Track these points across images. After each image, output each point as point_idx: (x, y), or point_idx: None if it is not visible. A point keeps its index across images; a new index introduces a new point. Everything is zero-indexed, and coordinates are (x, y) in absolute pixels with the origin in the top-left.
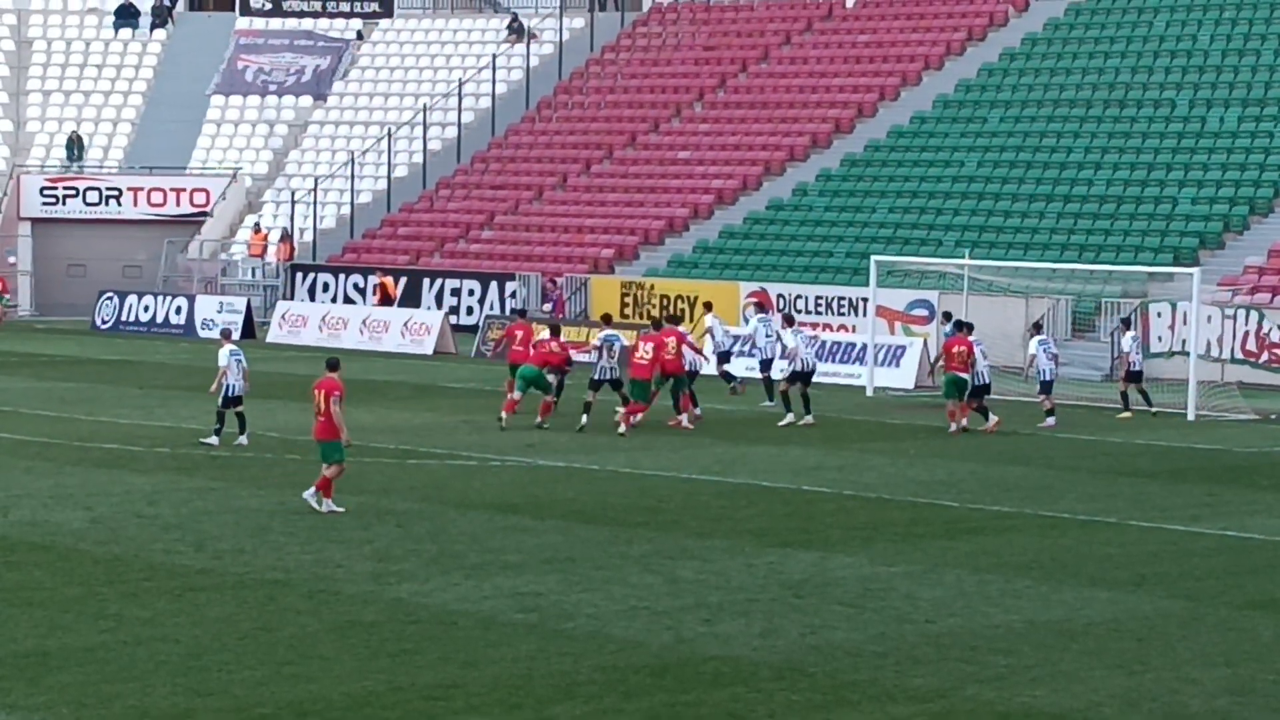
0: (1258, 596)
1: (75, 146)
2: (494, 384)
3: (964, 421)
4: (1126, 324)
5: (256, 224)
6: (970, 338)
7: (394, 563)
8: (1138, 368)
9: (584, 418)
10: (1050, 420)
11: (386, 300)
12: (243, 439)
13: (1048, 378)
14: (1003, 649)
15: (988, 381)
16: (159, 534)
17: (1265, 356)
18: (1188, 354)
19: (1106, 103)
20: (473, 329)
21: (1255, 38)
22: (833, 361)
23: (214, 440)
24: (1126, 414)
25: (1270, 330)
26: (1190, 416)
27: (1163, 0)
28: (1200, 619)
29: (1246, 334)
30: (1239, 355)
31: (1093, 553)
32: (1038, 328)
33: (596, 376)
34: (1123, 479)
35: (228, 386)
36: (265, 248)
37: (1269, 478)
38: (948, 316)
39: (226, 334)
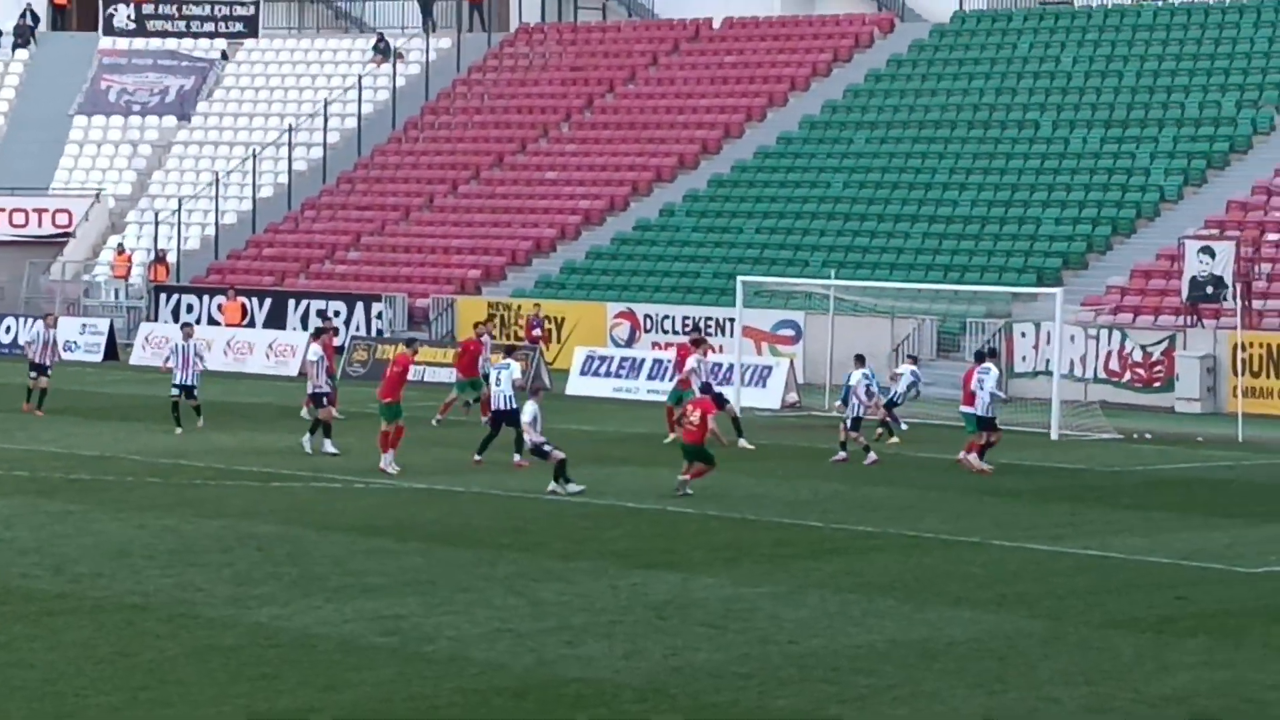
0: (1118, 615)
1: None
2: (359, 405)
3: (971, 458)
4: (913, 360)
5: (120, 245)
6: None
7: (254, 586)
8: (898, 400)
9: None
10: (872, 456)
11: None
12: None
13: (858, 413)
14: (865, 669)
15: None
16: (15, 558)
17: (1128, 376)
18: (1051, 374)
19: (970, 124)
20: (339, 350)
21: (1117, 59)
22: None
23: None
24: (894, 440)
25: (1133, 350)
26: (1054, 436)
27: (1025, 22)
28: (1061, 638)
29: (1109, 354)
30: (1102, 375)
31: (956, 572)
32: (860, 360)
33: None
34: (986, 498)
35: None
36: (129, 269)
37: (1131, 497)
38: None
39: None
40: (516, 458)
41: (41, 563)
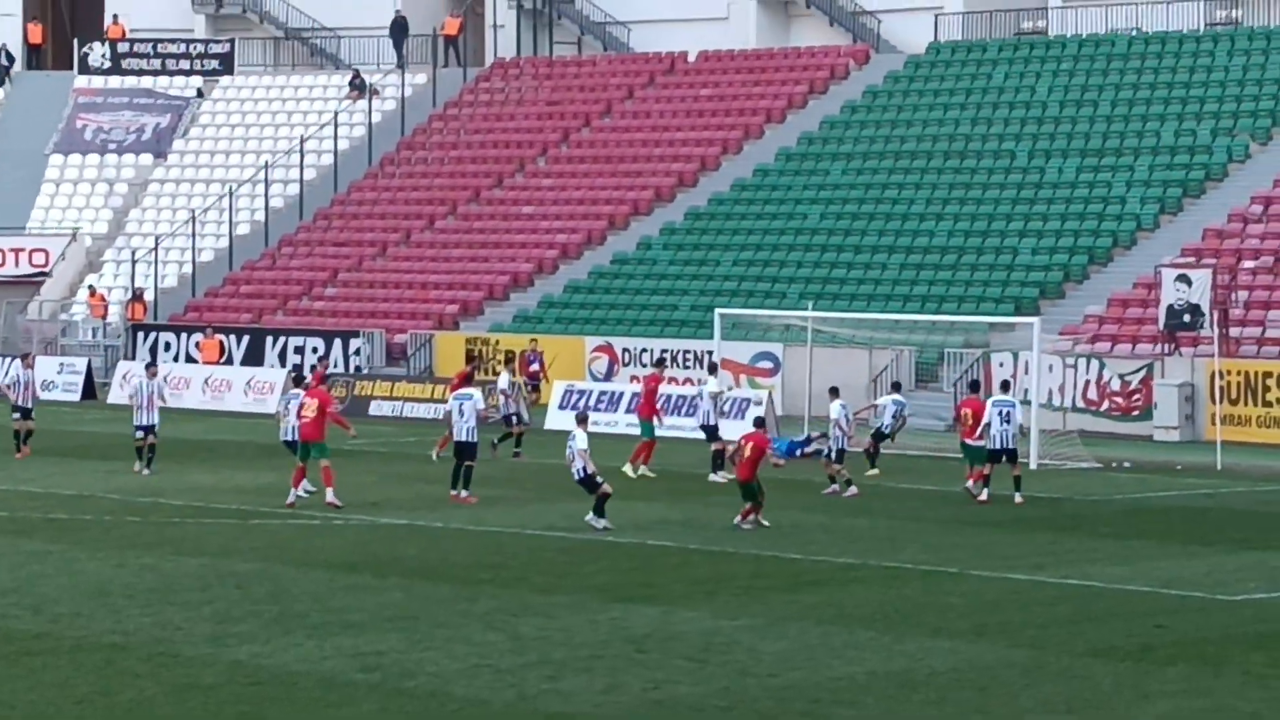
0: (1099, 644)
1: None
2: (336, 443)
3: (971, 486)
4: (896, 387)
5: (91, 286)
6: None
7: (234, 624)
8: (887, 430)
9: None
10: (853, 489)
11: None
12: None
13: (842, 445)
14: (846, 700)
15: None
16: None
17: (1106, 405)
18: (1029, 403)
19: (947, 154)
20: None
21: (1093, 89)
22: (679, 415)
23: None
24: (874, 471)
25: (1110, 379)
26: (1033, 465)
27: (1001, 53)
28: (1042, 667)
29: (1088, 383)
30: (1080, 404)
31: (935, 603)
32: (834, 392)
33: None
34: (966, 528)
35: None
36: (106, 308)
37: (1110, 525)
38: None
39: (298, 379)
40: (464, 493)
41: (20, 602)
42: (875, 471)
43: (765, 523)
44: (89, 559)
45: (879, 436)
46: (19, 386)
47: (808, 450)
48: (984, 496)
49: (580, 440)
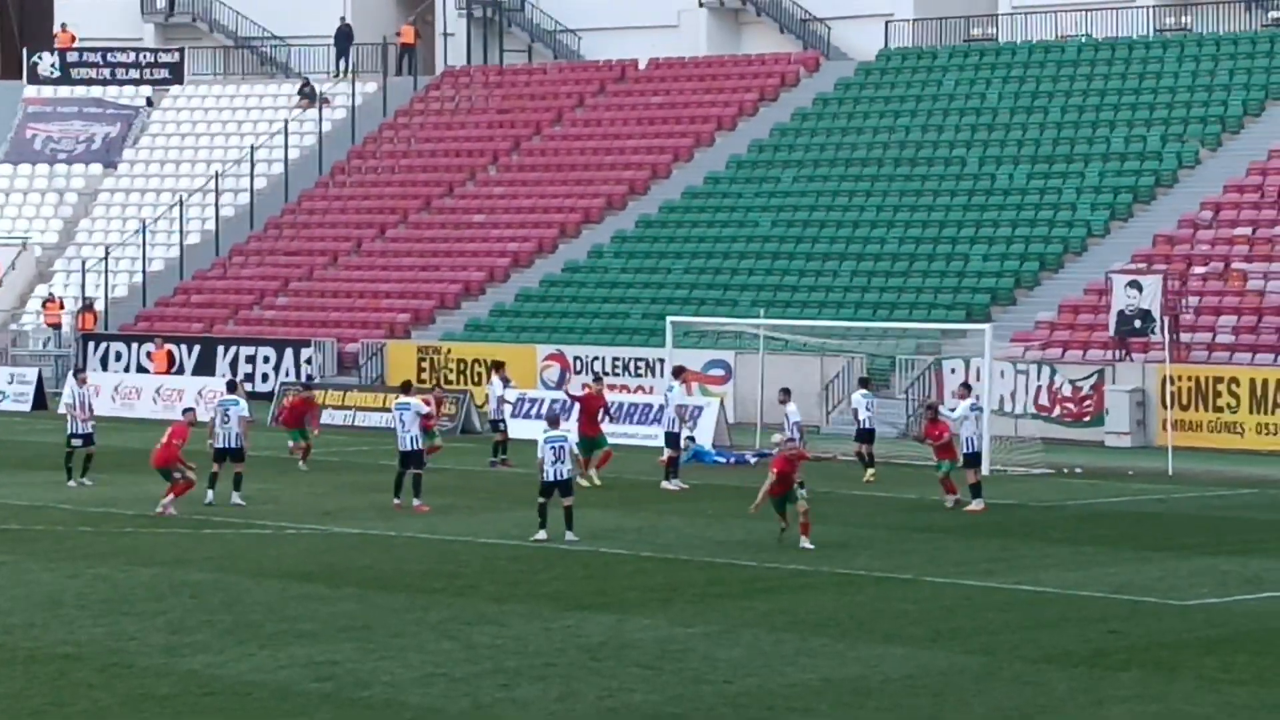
0: (1052, 650)
1: None
2: (288, 451)
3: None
4: (864, 384)
5: (50, 294)
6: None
7: (188, 634)
8: (869, 426)
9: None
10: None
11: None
12: (235, 498)
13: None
14: (800, 708)
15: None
16: None
17: (1058, 411)
18: (981, 410)
19: (898, 161)
20: (268, 396)
21: (1043, 95)
22: (630, 423)
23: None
24: (871, 471)
25: (1062, 385)
26: (985, 471)
27: (951, 60)
28: (995, 673)
29: (1039, 389)
30: (1032, 410)
31: (889, 609)
32: (786, 392)
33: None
34: (918, 534)
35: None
36: (61, 317)
37: (1062, 531)
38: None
39: (230, 385)
40: (416, 502)
41: None
42: (872, 473)
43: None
44: (41, 569)
45: (864, 436)
46: None
47: (737, 462)
48: (978, 506)
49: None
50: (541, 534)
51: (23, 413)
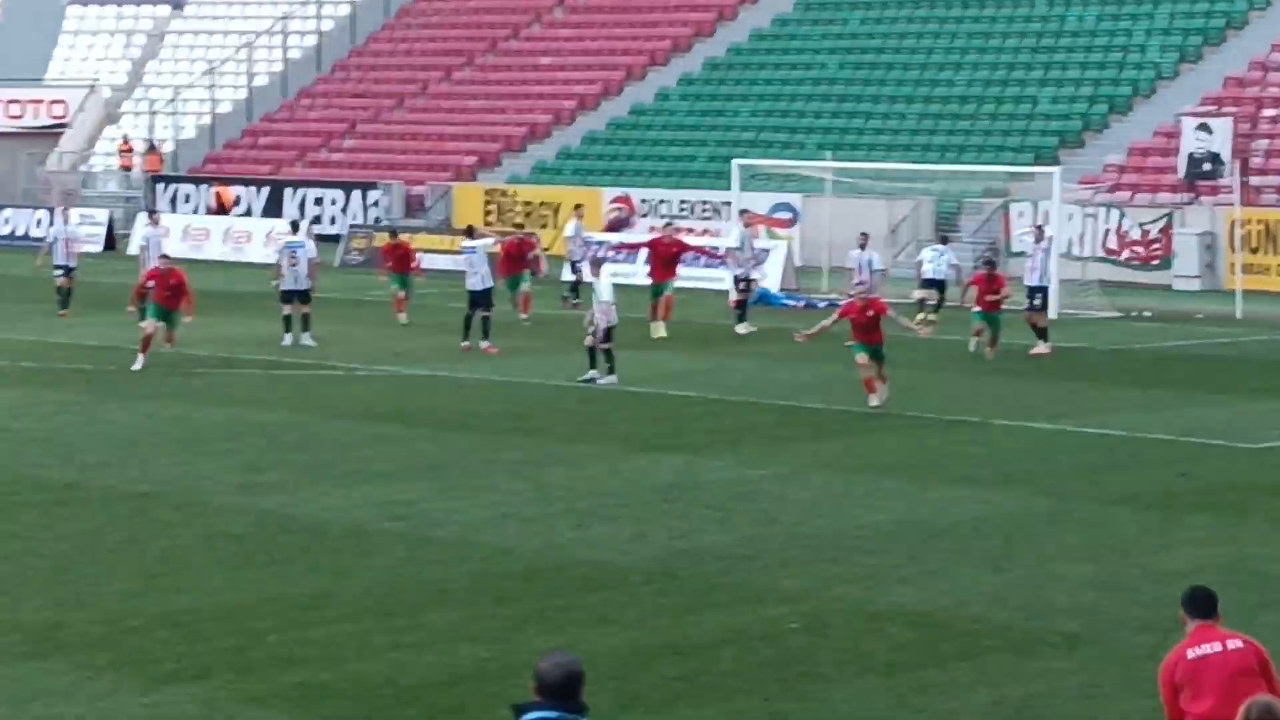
0: (1120, 492)
1: None
2: (358, 293)
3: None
4: (944, 241)
5: (124, 136)
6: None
7: (262, 473)
8: (936, 277)
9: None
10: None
11: (221, 210)
12: (306, 339)
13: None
14: (870, 549)
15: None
16: (25, 448)
17: (1126, 254)
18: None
19: (966, 2)
20: (336, 239)
21: None
22: (697, 266)
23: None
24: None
25: (1130, 228)
26: (1052, 314)
27: None
28: (1065, 516)
29: (1107, 232)
30: (1100, 253)
31: (958, 452)
32: (944, 240)
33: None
34: (986, 378)
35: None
36: (133, 158)
37: (1130, 374)
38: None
39: (294, 226)
40: (484, 344)
41: (51, 452)
42: (934, 319)
43: (874, 401)
44: (117, 409)
45: (931, 285)
46: (58, 242)
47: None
48: (1044, 349)
49: (605, 291)
50: (592, 373)
51: (94, 254)
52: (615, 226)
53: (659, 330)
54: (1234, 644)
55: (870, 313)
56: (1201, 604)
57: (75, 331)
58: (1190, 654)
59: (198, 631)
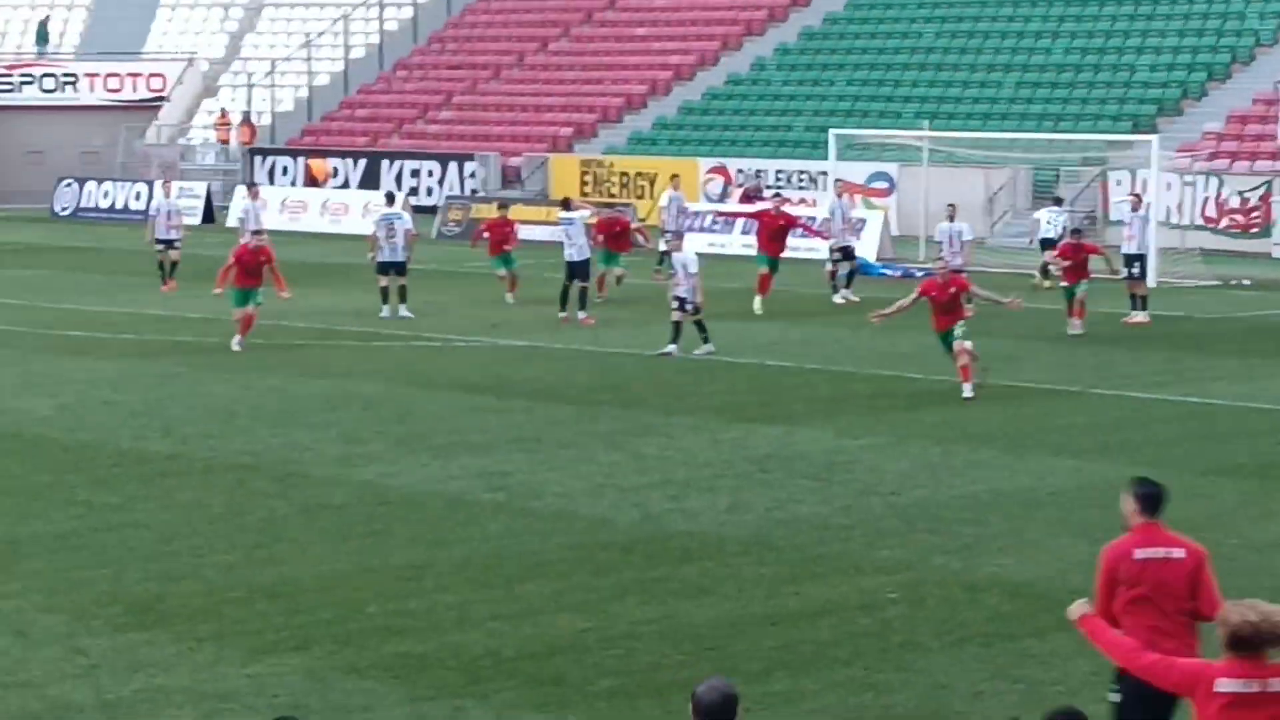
0: (1220, 463)
1: (44, 34)
2: (454, 264)
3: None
4: (1058, 201)
5: (222, 110)
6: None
7: (361, 445)
8: (1048, 236)
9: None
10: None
11: (314, 183)
12: (403, 310)
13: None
14: (968, 519)
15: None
16: (126, 420)
17: (1225, 222)
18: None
19: None
20: (432, 210)
21: None
22: (793, 235)
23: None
24: (1046, 282)
25: (1229, 196)
26: (1151, 283)
27: None
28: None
29: (1206, 200)
30: (1199, 221)
31: (1056, 422)
32: (1058, 201)
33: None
34: (1084, 348)
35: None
36: (230, 131)
37: (1230, 343)
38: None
39: (389, 198)
40: (581, 314)
41: (151, 424)
42: (1048, 284)
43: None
44: (216, 381)
45: (1050, 245)
46: (160, 215)
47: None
48: (1141, 318)
49: (692, 263)
50: (670, 348)
51: (192, 226)
52: (749, 197)
53: (757, 306)
54: (1177, 552)
55: (952, 289)
56: (1154, 501)
57: (173, 303)
58: (1138, 554)
59: (298, 602)
